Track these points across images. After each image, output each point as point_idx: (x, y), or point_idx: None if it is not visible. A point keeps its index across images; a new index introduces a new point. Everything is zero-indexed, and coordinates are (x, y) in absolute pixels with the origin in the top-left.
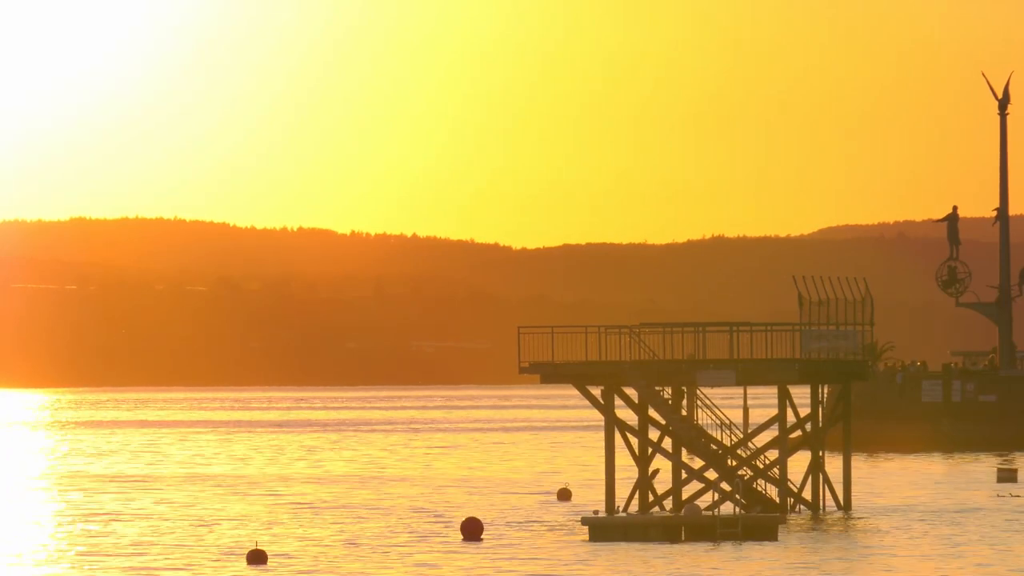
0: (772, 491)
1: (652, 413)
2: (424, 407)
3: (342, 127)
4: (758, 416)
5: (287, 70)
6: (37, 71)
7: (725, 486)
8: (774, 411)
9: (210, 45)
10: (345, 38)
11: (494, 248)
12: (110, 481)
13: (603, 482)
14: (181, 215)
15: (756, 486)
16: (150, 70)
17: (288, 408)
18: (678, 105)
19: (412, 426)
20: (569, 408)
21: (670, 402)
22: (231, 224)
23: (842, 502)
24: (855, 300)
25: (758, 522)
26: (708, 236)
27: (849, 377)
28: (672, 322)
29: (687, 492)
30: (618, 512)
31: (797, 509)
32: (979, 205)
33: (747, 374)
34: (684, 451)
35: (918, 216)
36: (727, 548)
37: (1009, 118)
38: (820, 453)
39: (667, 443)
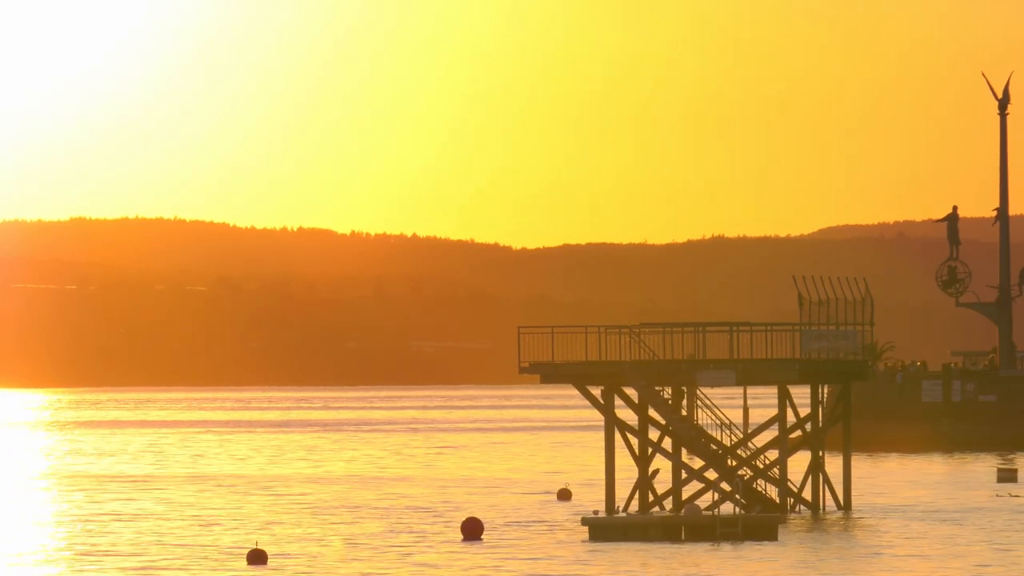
0: (772, 491)
1: (652, 413)
2: (424, 407)
3: (342, 127)
4: (758, 416)
5: (287, 70)
6: (37, 71)
7: (725, 486)
8: (774, 411)
9: (210, 45)
10: (345, 38)
11: (494, 248)
12: (110, 481)
13: (603, 482)
14: (181, 215)
15: (756, 486)
16: (150, 70)
17: (288, 408)
18: (678, 105)
19: (412, 426)
20: (569, 408)
21: (670, 402)
22: (231, 224)
23: (842, 502)
24: (855, 300)
25: (758, 522)
26: (708, 236)
27: (849, 377)
28: (672, 322)
29: (687, 492)
30: (618, 512)
31: (797, 509)
32: (979, 205)
33: (747, 374)
34: (684, 451)
35: (918, 216)
36: (727, 548)
37: (1009, 118)
38: (820, 453)
39: (667, 443)
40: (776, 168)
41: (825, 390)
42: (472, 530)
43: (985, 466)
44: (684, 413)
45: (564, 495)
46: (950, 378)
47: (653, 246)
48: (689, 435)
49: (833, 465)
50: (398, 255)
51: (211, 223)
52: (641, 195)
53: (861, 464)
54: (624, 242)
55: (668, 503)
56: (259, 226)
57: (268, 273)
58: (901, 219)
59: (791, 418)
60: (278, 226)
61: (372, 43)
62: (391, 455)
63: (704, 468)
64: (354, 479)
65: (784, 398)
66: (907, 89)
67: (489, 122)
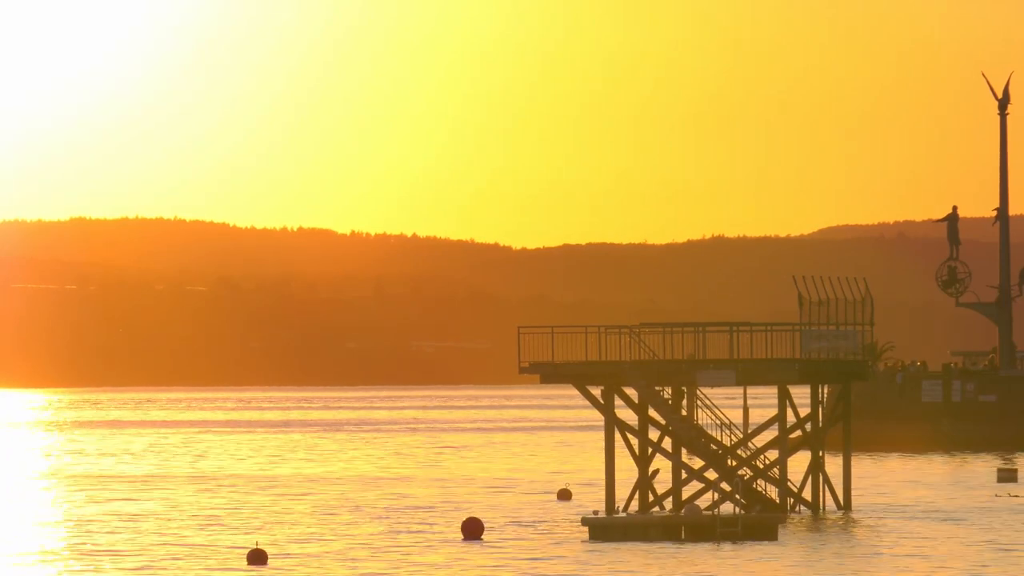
0: (772, 491)
1: (652, 413)
2: (424, 407)
3: (342, 127)
4: (758, 416)
5: (287, 70)
6: (37, 71)
7: (725, 486)
8: (774, 411)
9: (210, 45)
10: (345, 38)
11: (494, 248)
12: (110, 481)
13: (603, 482)
14: (181, 215)
15: (756, 486)
16: (150, 70)
17: (288, 408)
18: (678, 105)
19: (412, 426)
20: (569, 408)
21: (670, 402)
22: (231, 224)
23: (842, 502)
24: (855, 300)
25: (758, 522)
26: (708, 236)
27: (849, 377)
28: (672, 322)
29: (687, 492)
30: (618, 512)
31: (797, 509)
32: (979, 205)
33: (747, 374)
34: (684, 451)
35: (918, 216)
36: (727, 548)
37: (1009, 118)
38: (820, 453)
39: (667, 443)
40: (776, 168)
41: (825, 390)
42: (472, 530)
43: (985, 466)
44: (684, 413)
45: (564, 495)
46: (950, 378)
47: (653, 246)
48: (689, 435)
49: (833, 465)
50: (398, 255)
51: (211, 223)
52: (641, 195)
53: (861, 464)
54: (624, 242)
55: (668, 503)
56: (259, 226)
57: (268, 273)
58: (901, 219)
59: (791, 418)
60: (278, 226)
61: (372, 43)
62: (391, 455)
63: (704, 468)
64: (354, 479)
65: (784, 398)
66: (907, 89)
67: (489, 122)
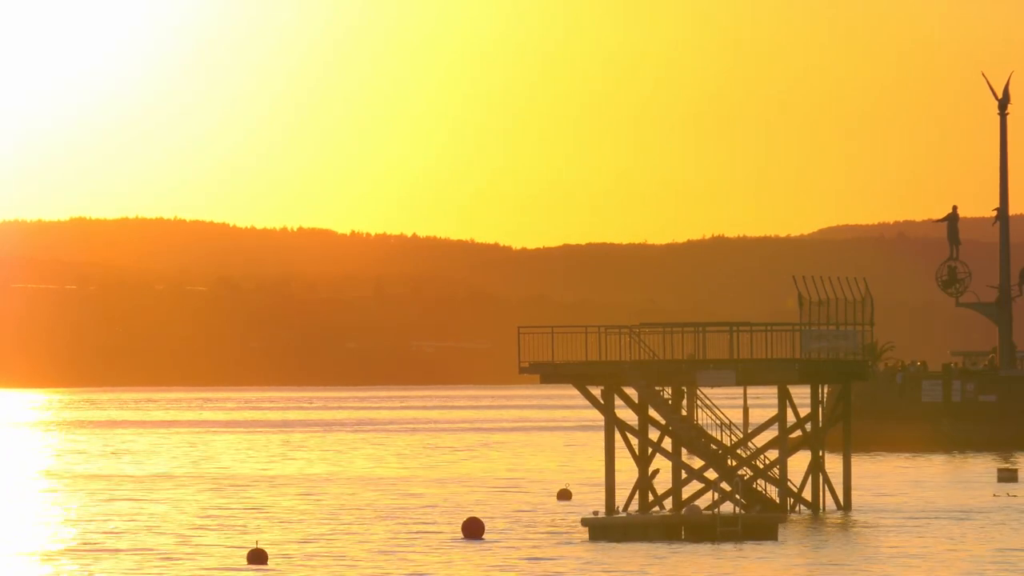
0: (772, 491)
1: (652, 413)
2: (424, 407)
3: (342, 127)
4: (758, 416)
5: (287, 70)
6: (37, 71)
7: (725, 486)
8: (774, 411)
9: (210, 45)
10: (345, 38)
11: (494, 248)
12: (110, 481)
13: (603, 482)
14: (181, 215)
15: (756, 486)
16: (150, 70)
17: (288, 408)
18: (678, 105)
19: (412, 426)
20: (569, 408)
21: (670, 402)
22: (231, 224)
23: (842, 502)
24: (855, 300)
25: (758, 522)
26: (708, 236)
27: (849, 377)
28: (672, 322)
29: (687, 492)
30: (618, 512)
31: (797, 509)
32: (979, 205)
33: (747, 374)
34: (684, 451)
35: (918, 216)
36: (727, 548)
37: (1009, 118)
38: (820, 453)
39: (667, 443)
40: (776, 168)
41: (825, 390)
42: (473, 530)
43: (985, 466)
44: (684, 413)
45: (564, 495)
46: (950, 378)
47: (653, 246)
48: (689, 435)
49: (833, 465)
50: (398, 255)
51: (211, 223)
52: (641, 195)
53: (861, 464)
54: (624, 242)
55: (668, 503)
56: (259, 226)
57: (268, 273)
58: (901, 219)
59: (791, 418)
60: (278, 226)
61: (372, 43)
62: (391, 455)
63: (704, 468)
64: (354, 479)
65: (784, 398)
66: (907, 89)
67: (489, 122)
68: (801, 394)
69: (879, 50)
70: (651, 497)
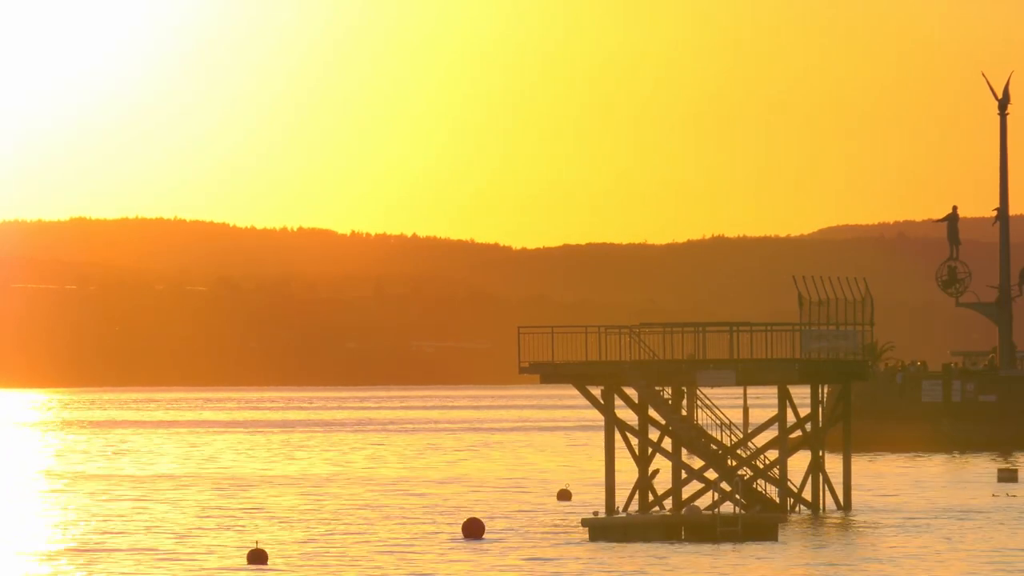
0: (772, 491)
1: (652, 413)
2: (424, 407)
3: (342, 127)
4: (758, 416)
5: (287, 70)
6: (37, 71)
7: (725, 486)
8: (774, 411)
9: (210, 45)
10: (345, 38)
11: (494, 248)
12: (110, 481)
13: (603, 482)
14: (181, 215)
15: (756, 486)
16: (150, 70)
17: (288, 408)
18: (678, 105)
19: (412, 426)
20: (569, 408)
21: (670, 402)
22: (231, 224)
23: (842, 502)
24: (855, 300)
25: (758, 522)
26: (708, 236)
27: (849, 377)
28: (672, 322)
29: (687, 492)
30: (618, 512)
31: (797, 509)
32: (979, 205)
33: (747, 374)
34: (684, 451)
35: (918, 216)
36: (727, 548)
37: (1009, 118)
38: (820, 453)
39: (667, 443)
40: (776, 168)
41: (825, 390)
42: (473, 530)
43: (985, 466)
44: (684, 413)
45: (564, 495)
46: (950, 378)
47: (653, 246)
48: (689, 435)
49: (833, 465)
50: (398, 255)
51: (211, 223)
52: (641, 195)
53: (861, 464)
54: (624, 242)
55: (668, 503)
56: (259, 226)
57: (268, 273)
58: (901, 219)
59: (791, 418)
60: (278, 226)
61: (372, 43)
62: (391, 455)
63: (704, 468)
64: (354, 479)
65: (784, 398)
66: (907, 89)
67: (489, 122)
68: (801, 394)
69: (879, 50)
70: (651, 497)
